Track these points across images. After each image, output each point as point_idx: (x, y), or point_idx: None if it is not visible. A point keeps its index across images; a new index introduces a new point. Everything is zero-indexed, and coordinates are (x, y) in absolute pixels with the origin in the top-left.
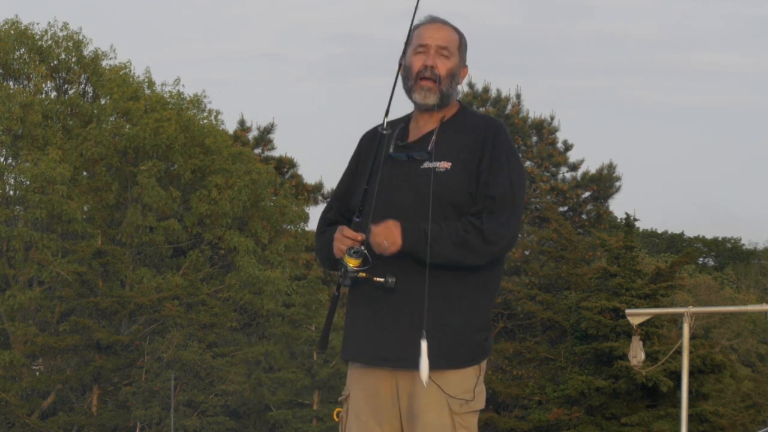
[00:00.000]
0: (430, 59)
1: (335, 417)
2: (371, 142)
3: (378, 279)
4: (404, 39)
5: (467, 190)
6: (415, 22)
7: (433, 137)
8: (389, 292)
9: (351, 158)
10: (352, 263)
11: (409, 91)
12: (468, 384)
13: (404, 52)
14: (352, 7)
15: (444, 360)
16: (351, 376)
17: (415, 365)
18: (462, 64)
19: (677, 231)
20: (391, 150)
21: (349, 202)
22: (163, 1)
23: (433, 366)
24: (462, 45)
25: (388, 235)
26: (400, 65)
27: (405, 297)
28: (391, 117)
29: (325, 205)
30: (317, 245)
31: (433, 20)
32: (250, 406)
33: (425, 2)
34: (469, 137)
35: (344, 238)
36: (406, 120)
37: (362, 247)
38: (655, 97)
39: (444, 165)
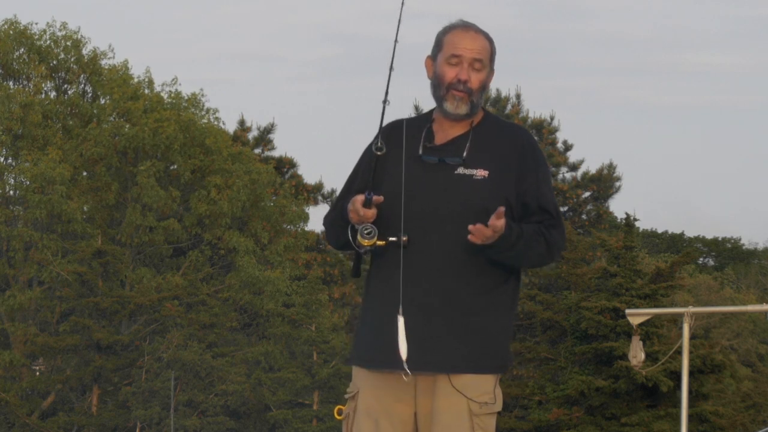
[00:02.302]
0: (464, 73)
1: (336, 414)
2: (396, 141)
3: (392, 239)
4: (402, 38)
5: (504, 199)
6: (446, 24)
7: (468, 143)
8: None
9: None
10: (365, 243)
11: (439, 99)
12: (488, 386)
13: (434, 57)
14: (352, 7)
15: (473, 364)
16: (361, 374)
17: (442, 370)
18: (491, 72)
19: (677, 231)
20: (420, 151)
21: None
22: (162, 1)
23: (460, 369)
24: (493, 53)
25: (493, 234)
26: (429, 69)
27: (434, 299)
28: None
29: (327, 205)
30: (327, 225)
31: (466, 27)
32: (250, 406)
33: (428, 3)
34: (503, 146)
35: (359, 217)
36: (428, 119)
37: (373, 228)
38: (655, 98)
39: (481, 173)
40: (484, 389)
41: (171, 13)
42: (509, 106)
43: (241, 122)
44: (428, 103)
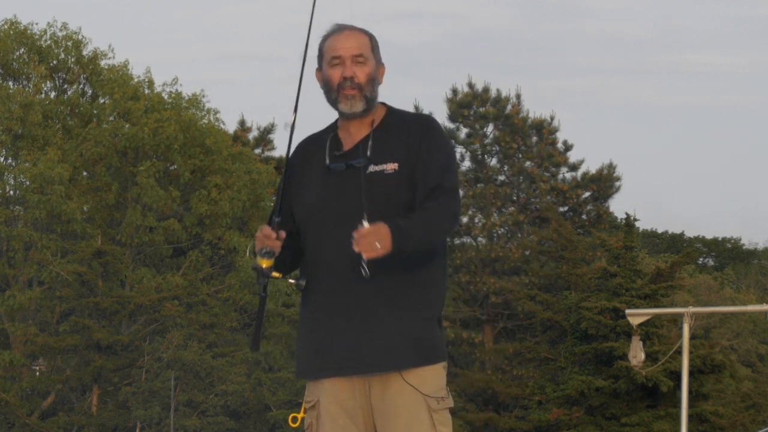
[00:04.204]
0: (348, 70)
1: (290, 422)
2: (306, 157)
3: (291, 281)
4: (400, 39)
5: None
6: (322, 33)
7: (369, 142)
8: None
9: (285, 172)
10: (264, 264)
11: (334, 103)
12: (441, 381)
13: (320, 67)
14: (351, 7)
15: (418, 357)
16: (317, 383)
17: (388, 368)
18: (379, 65)
19: (677, 231)
20: (327, 161)
21: (295, 218)
22: (162, 1)
23: (409, 364)
24: (374, 46)
25: (380, 238)
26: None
27: (363, 299)
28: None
29: None
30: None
31: (340, 29)
32: (250, 406)
33: (427, 3)
34: (408, 136)
35: (264, 237)
36: (332, 129)
37: (272, 249)
38: (655, 98)
39: (391, 167)
40: (438, 384)
41: (171, 13)
42: (509, 106)
43: (241, 122)
44: (428, 104)
